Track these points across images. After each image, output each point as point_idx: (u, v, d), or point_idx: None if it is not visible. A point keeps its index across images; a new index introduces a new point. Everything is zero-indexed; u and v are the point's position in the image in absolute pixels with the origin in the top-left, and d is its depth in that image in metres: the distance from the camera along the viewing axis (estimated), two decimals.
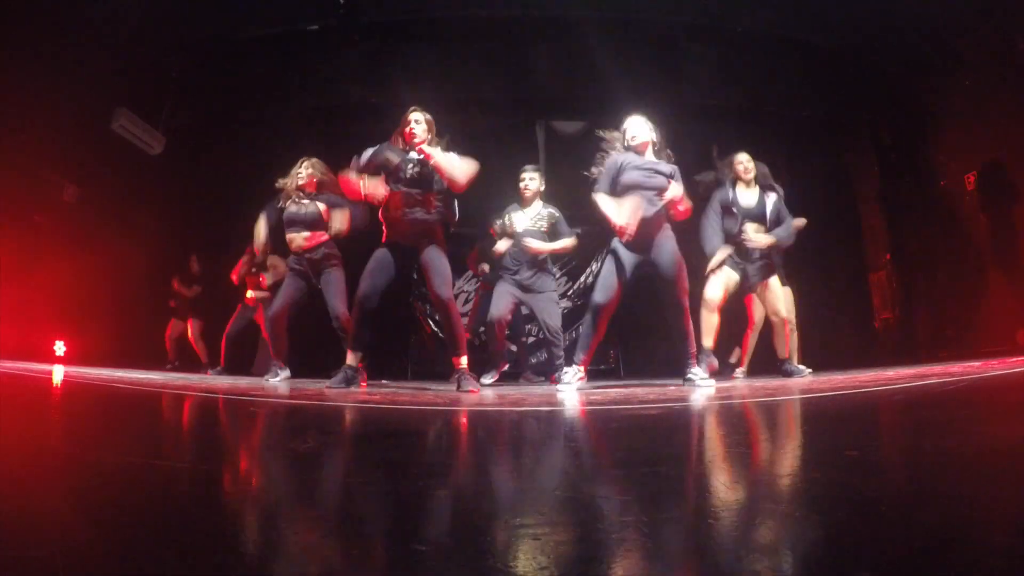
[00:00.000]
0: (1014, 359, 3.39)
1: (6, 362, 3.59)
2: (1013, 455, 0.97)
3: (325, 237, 3.74)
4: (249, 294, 4.99)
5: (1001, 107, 4.47)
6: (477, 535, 0.66)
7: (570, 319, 5.84)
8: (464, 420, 1.75)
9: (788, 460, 1.04)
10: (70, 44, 4.46)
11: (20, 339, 4.19)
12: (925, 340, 5.34)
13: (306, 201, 3.77)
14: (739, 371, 4.55)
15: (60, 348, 4.74)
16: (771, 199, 3.82)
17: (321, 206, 3.76)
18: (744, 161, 3.83)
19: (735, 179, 3.81)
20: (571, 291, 6.60)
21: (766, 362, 4.27)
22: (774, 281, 3.76)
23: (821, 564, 0.51)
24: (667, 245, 3.22)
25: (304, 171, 3.77)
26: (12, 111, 4.19)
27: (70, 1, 4.33)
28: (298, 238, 3.72)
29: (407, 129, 3.11)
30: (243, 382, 3.57)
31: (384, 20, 5.20)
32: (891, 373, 3.14)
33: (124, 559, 0.54)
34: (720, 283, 3.63)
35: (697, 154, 4.00)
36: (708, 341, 3.56)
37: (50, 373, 3.16)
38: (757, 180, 3.85)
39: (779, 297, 3.79)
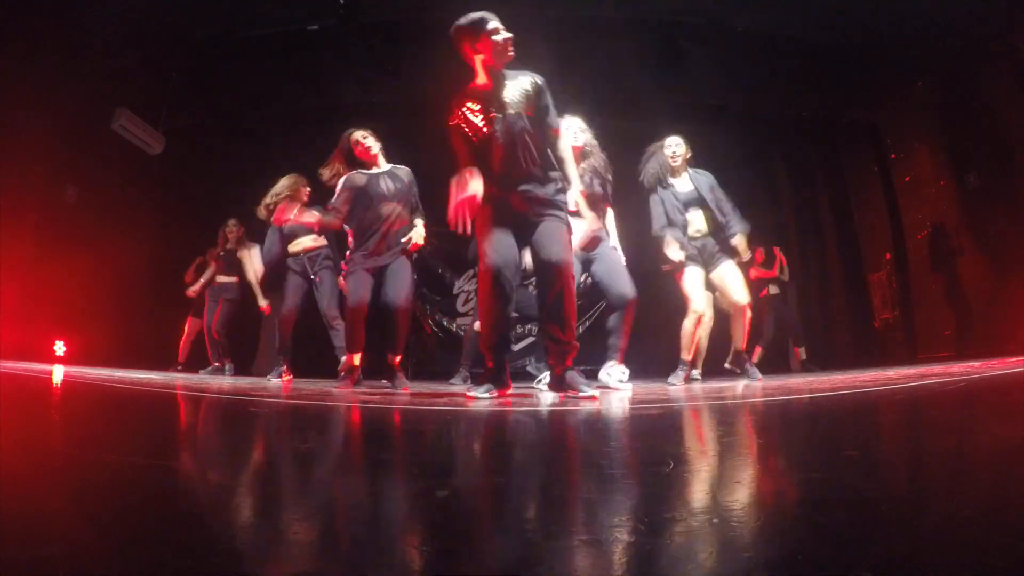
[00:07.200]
0: (1014, 359, 3.39)
1: (6, 362, 3.59)
2: (1013, 455, 0.97)
3: (324, 242, 4.17)
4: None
5: (1000, 106, 4.46)
6: (476, 536, 0.66)
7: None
8: (454, 420, 1.75)
9: (788, 460, 1.04)
10: (70, 45, 4.46)
11: (20, 339, 4.19)
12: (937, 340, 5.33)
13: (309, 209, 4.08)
14: (695, 372, 4.07)
15: (60, 348, 4.74)
16: (703, 180, 3.55)
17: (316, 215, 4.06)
18: (672, 145, 3.55)
19: (665, 166, 3.54)
20: None
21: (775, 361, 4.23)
22: (730, 266, 3.46)
23: (821, 564, 0.51)
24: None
25: (302, 187, 4.10)
26: (12, 111, 4.19)
27: (70, 2, 4.33)
28: (306, 241, 4.07)
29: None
30: (244, 382, 3.57)
31: (384, 20, 5.19)
32: (891, 373, 3.14)
33: (124, 559, 0.54)
34: (700, 288, 3.40)
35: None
36: (687, 355, 3.46)
37: (50, 373, 3.16)
38: (688, 164, 3.59)
39: (738, 283, 3.44)
